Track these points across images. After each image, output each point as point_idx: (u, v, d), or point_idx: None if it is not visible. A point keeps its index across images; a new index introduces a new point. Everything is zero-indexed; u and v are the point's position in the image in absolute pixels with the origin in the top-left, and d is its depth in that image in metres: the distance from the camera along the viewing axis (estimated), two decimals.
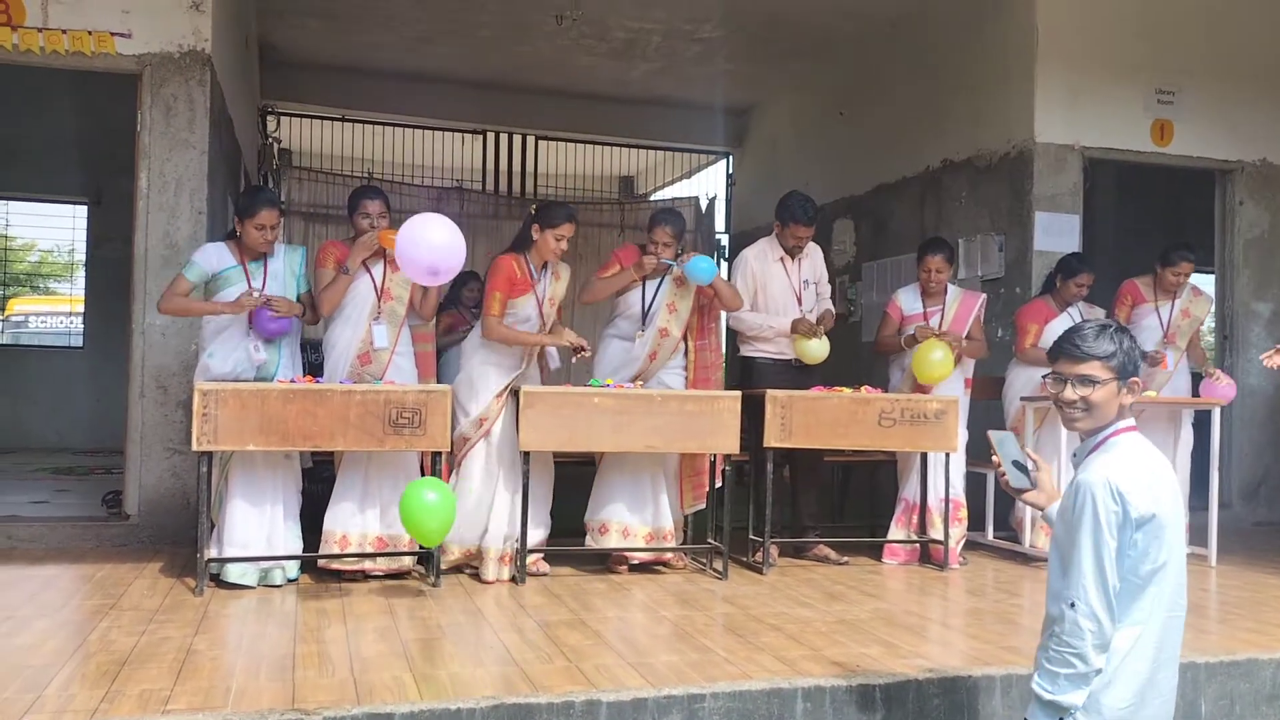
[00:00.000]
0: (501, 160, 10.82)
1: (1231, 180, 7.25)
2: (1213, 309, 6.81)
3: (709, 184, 12.03)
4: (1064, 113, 6.82)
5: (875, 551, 5.74)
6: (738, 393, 4.99)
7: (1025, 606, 4.71)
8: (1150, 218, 9.28)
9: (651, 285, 5.21)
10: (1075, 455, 2.59)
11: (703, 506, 5.34)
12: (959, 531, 5.53)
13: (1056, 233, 6.85)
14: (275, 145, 10.12)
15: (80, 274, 11.90)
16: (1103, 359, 2.49)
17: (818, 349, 5.45)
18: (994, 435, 2.71)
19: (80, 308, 10.74)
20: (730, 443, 4.91)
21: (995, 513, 6.06)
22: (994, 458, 2.69)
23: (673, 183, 12.82)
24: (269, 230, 4.71)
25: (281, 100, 10.10)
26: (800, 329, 5.44)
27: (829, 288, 5.79)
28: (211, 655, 3.54)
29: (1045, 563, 5.50)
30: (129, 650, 3.56)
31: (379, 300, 4.92)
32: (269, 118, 10.01)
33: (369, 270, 4.92)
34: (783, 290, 5.54)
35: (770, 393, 5.05)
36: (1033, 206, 6.80)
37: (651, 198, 12.79)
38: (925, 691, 3.29)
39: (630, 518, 5.10)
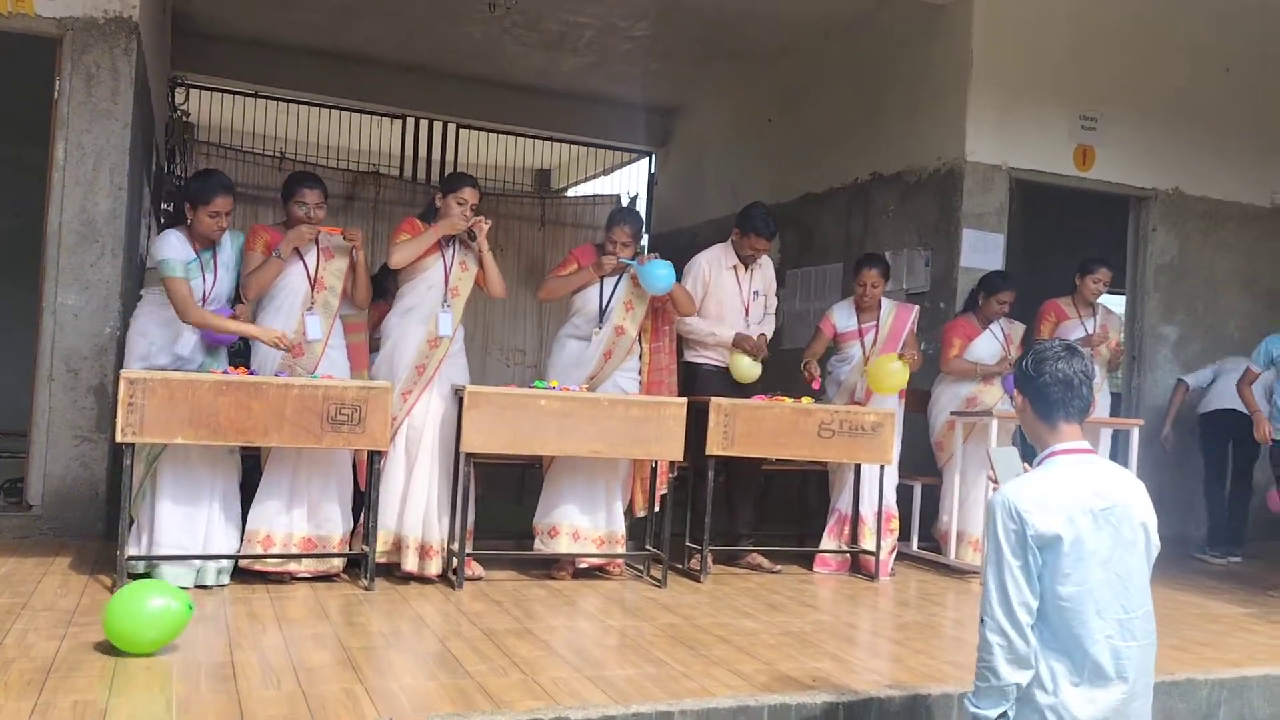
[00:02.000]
0: (421, 147, 10.56)
1: (1146, 207, 7.51)
2: (1122, 330, 7.03)
3: (628, 182, 11.98)
4: (993, 133, 6.96)
5: (805, 560, 5.77)
6: (683, 400, 4.95)
7: (959, 620, 4.78)
8: (1058, 240, 9.55)
9: (609, 283, 5.15)
10: None
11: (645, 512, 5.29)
12: (890, 542, 5.60)
13: (982, 250, 7.00)
14: (183, 118, 9.68)
15: None
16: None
17: (750, 369, 5.46)
18: (994, 451, 2.76)
19: None
20: (675, 450, 4.86)
21: (920, 524, 6.16)
22: (988, 473, 2.74)
23: (590, 179, 12.71)
24: (223, 217, 4.49)
25: (191, 72, 9.66)
26: (742, 345, 5.43)
27: (775, 301, 5.79)
28: (144, 663, 3.33)
29: (968, 575, 5.68)
30: (52, 656, 3.33)
31: (312, 289, 4.73)
32: (177, 90, 9.56)
33: (302, 258, 4.74)
34: (731, 298, 5.53)
35: (715, 401, 5.03)
36: (961, 223, 6.93)
37: (569, 192, 12.67)
38: (887, 708, 3.30)
39: (581, 520, 5.01)
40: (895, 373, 5.34)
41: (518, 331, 10.32)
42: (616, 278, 5.17)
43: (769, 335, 5.62)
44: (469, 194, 4.88)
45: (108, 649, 3.42)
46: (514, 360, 10.31)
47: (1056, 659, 2.45)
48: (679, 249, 9.79)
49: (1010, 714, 2.47)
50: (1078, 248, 9.20)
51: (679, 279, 5.20)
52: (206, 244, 4.56)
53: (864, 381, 5.60)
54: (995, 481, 2.71)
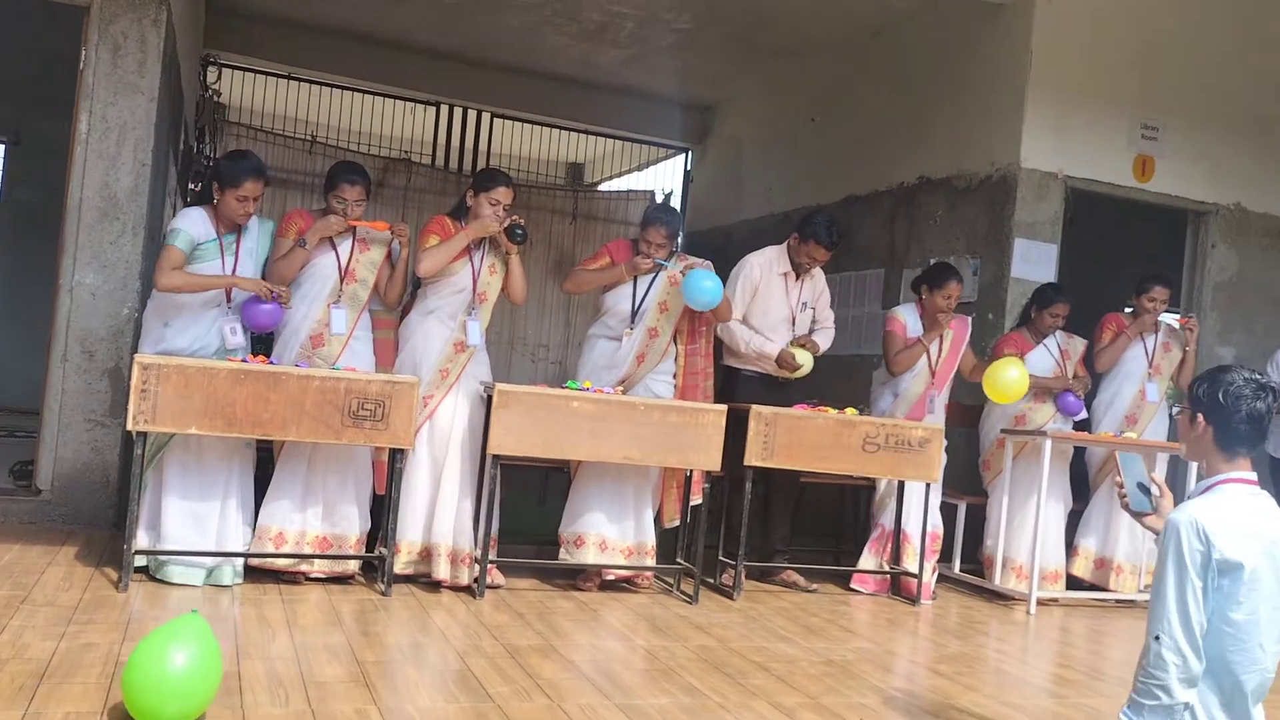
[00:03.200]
0: (455, 135, 10.35)
1: (1205, 222, 7.20)
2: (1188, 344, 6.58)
3: (663, 178, 11.72)
4: (1050, 139, 6.67)
5: (840, 577, 5.51)
6: (723, 407, 4.69)
7: (1007, 651, 4.52)
8: (1110, 251, 9.25)
9: (643, 282, 4.90)
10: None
11: (678, 522, 5.04)
12: (933, 564, 5.33)
13: (1034, 261, 6.70)
14: (214, 98, 9.50)
15: None
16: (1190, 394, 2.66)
17: (803, 364, 5.20)
18: (1122, 456, 2.80)
19: None
20: (712, 459, 4.62)
21: (964, 546, 5.88)
22: (1116, 478, 2.76)
23: (624, 174, 12.47)
24: (251, 202, 4.27)
25: (224, 51, 9.48)
26: (785, 364, 5.18)
27: (831, 314, 5.52)
28: None
29: (1013, 601, 5.40)
30: (48, 659, 3.12)
31: (341, 281, 4.51)
32: (209, 68, 9.39)
33: (335, 248, 4.52)
34: (779, 306, 5.27)
35: (755, 409, 4.77)
36: (1012, 232, 6.64)
37: (601, 187, 12.45)
38: None
39: (609, 529, 4.76)
40: (1015, 380, 4.97)
41: (544, 327, 10.11)
42: (651, 277, 4.92)
43: (825, 347, 5.38)
44: (502, 194, 4.64)
45: (108, 652, 3.21)
46: (539, 356, 10.10)
47: (1208, 687, 2.46)
48: (714, 249, 9.52)
49: None
50: (1130, 261, 8.99)
51: (725, 278, 4.95)
52: (231, 227, 4.34)
53: (935, 393, 5.33)
54: (1121, 487, 2.75)
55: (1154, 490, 2.76)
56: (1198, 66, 6.97)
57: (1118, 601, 5.71)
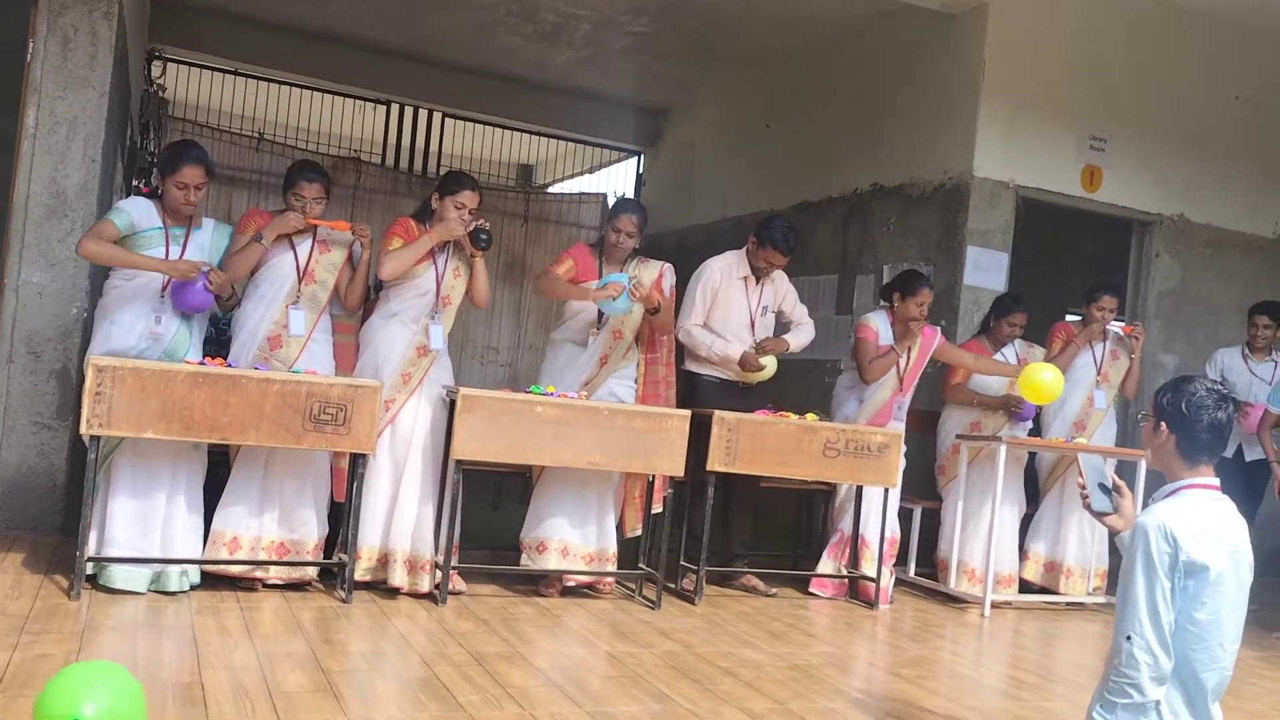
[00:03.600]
0: (405, 135, 10.25)
1: (1150, 232, 7.36)
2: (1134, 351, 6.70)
3: (614, 181, 11.72)
4: (1001, 149, 6.78)
5: (798, 582, 5.54)
6: (686, 412, 4.69)
7: (964, 655, 4.58)
8: (1057, 261, 9.42)
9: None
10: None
11: (639, 532, 5.03)
12: (890, 569, 5.38)
13: (986, 268, 6.81)
14: (159, 93, 9.29)
15: None
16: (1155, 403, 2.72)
17: (765, 366, 5.24)
18: (1083, 458, 2.87)
19: None
20: (675, 464, 4.62)
21: (919, 549, 5.94)
22: (1079, 479, 2.83)
23: (575, 176, 12.44)
24: (191, 190, 4.17)
25: (169, 45, 9.28)
26: (748, 366, 5.20)
27: (803, 308, 5.55)
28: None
29: (967, 604, 5.47)
30: (3, 670, 3.02)
31: (300, 282, 4.43)
32: (153, 62, 9.18)
33: (293, 247, 4.44)
34: (739, 311, 5.28)
35: (718, 414, 4.78)
36: (965, 240, 6.74)
37: (552, 189, 12.40)
38: None
39: (572, 535, 4.74)
40: (1051, 383, 4.95)
41: (494, 330, 10.02)
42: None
43: (799, 347, 5.43)
44: (468, 197, 4.59)
45: (64, 662, 3.11)
46: (488, 359, 10.02)
47: (1172, 685, 2.53)
48: (666, 252, 9.51)
49: None
50: (1071, 269, 9.16)
51: (680, 282, 4.95)
52: (180, 220, 4.25)
53: (900, 399, 5.42)
54: (1084, 488, 2.80)
55: (1114, 491, 2.83)
56: (1143, 79, 7.13)
57: (1068, 604, 5.82)
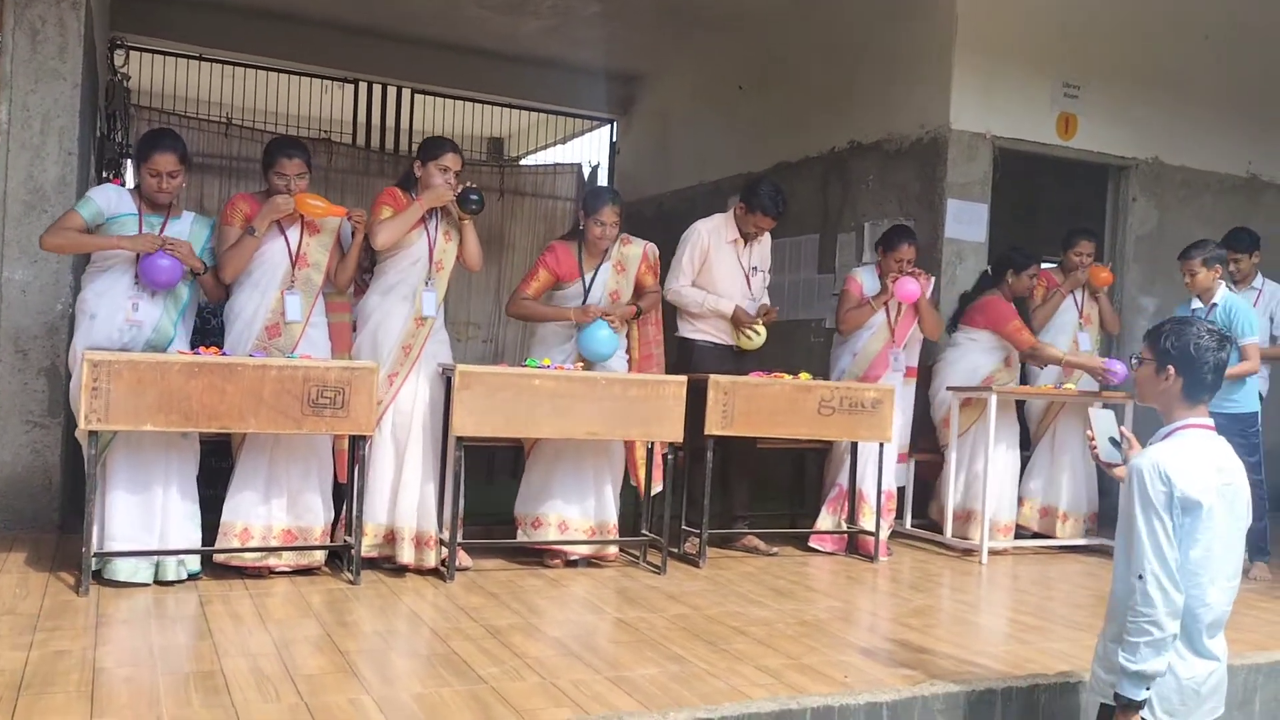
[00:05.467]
0: (374, 113, 10.15)
1: (1126, 177, 7.42)
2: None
3: (587, 151, 11.65)
4: (978, 100, 6.80)
5: (797, 539, 5.61)
6: (683, 378, 4.72)
7: (970, 603, 4.65)
8: (1030, 208, 9.47)
9: (590, 274, 4.92)
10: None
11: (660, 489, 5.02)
12: (888, 522, 5.44)
13: (966, 220, 6.85)
14: (123, 82, 9.16)
15: None
16: (1148, 342, 2.79)
17: (755, 339, 5.26)
18: (1094, 411, 2.99)
19: None
20: (675, 430, 4.64)
21: (914, 501, 6.01)
22: (1088, 431, 2.94)
23: (547, 147, 12.36)
24: (164, 178, 4.13)
25: (131, 33, 9.13)
26: (740, 320, 5.22)
27: (768, 276, 5.58)
28: (123, 674, 3.04)
29: (964, 555, 5.55)
30: (21, 668, 3.03)
31: (293, 267, 4.41)
32: (116, 51, 9.03)
33: (283, 232, 4.41)
34: (731, 272, 5.30)
35: (714, 378, 4.81)
36: (945, 194, 6.77)
37: (525, 161, 12.32)
38: (931, 706, 3.12)
39: (570, 510, 4.76)
40: None
41: (473, 306, 10.01)
42: (596, 269, 4.92)
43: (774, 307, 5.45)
44: (451, 159, 4.57)
45: (82, 658, 3.12)
46: (469, 335, 10.00)
47: None
48: (645, 220, 9.56)
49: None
50: (1045, 216, 9.22)
51: (663, 250, 4.97)
52: (158, 209, 4.21)
53: (895, 350, 5.46)
54: (1093, 440, 2.92)
55: (1123, 443, 2.92)
56: (1116, 23, 7.15)
57: (1060, 548, 5.91)
